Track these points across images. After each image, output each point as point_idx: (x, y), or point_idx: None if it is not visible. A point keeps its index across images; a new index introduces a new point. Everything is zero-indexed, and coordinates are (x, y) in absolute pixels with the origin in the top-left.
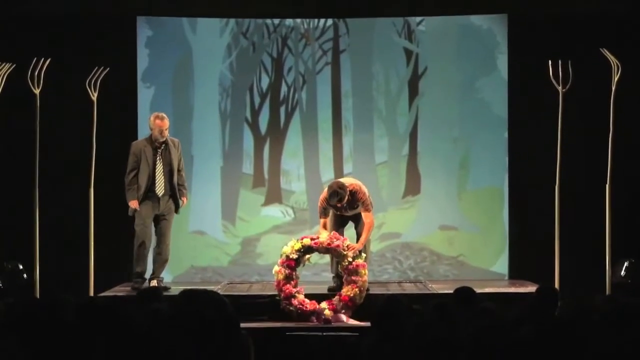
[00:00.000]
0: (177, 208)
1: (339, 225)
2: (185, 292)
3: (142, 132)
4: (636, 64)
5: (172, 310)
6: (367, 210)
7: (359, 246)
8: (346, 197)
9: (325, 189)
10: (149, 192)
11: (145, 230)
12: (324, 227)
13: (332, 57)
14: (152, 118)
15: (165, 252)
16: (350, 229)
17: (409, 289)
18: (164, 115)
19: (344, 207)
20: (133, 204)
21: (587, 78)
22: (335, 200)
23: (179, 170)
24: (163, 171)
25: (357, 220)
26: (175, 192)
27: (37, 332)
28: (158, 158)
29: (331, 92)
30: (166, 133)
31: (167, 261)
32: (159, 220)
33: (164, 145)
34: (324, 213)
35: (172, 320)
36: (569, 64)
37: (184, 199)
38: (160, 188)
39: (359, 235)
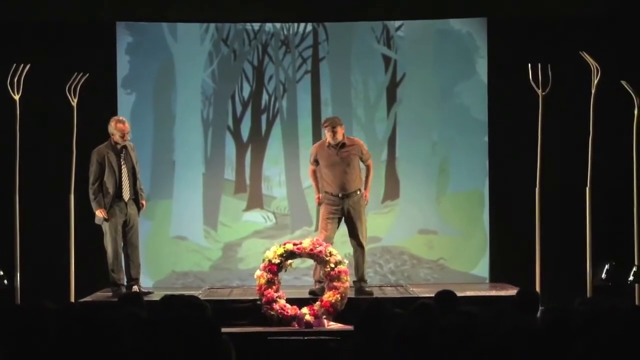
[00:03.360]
0: (138, 212)
1: (332, 223)
2: (165, 298)
3: None
4: (615, 67)
5: (152, 315)
6: (367, 157)
7: (367, 193)
8: (340, 131)
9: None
10: (116, 198)
11: (117, 239)
12: (313, 173)
13: (311, 65)
14: (112, 123)
15: (137, 258)
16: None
17: (390, 292)
18: (124, 119)
19: (337, 146)
20: (101, 213)
21: (566, 81)
22: (327, 123)
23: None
24: (128, 175)
25: (353, 226)
26: (137, 196)
27: (17, 338)
28: (122, 162)
29: (311, 100)
30: (128, 137)
31: (140, 264)
32: (126, 227)
33: (124, 148)
34: (315, 160)
35: (153, 325)
36: (549, 68)
37: (144, 202)
38: (126, 192)
39: (356, 240)
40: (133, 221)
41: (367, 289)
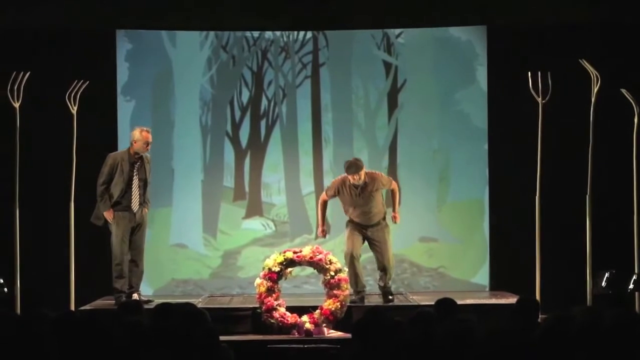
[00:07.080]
0: None
1: (357, 238)
2: (160, 306)
3: (122, 146)
4: (615, 75)
5: (151, 324)
6: (388, 185)
7: (397, 214)
8: (363, 173)
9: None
10: (124, 205)
11: (124, 246)
12: (323, 204)
13: (311, 70)
14: (137, 131)
15: (142, 265)
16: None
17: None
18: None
19: (359, 188)
20: (109, 214)
21: (566, 89)
22: (352, 171)
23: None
24: (138, 185)
25: (378, 251)
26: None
27: (17, 346)
28: (135, 172)
29: (311, 105)
30: (150, 147)
31: (143, 273)
32: (134, 232)
33: (140, 160)
34: (331, 192)
35: (152, 334)
36: (549, 75)
37: (145, 209)
38: (135, 203)
39: (382, 264)
40: (140, 229)
41: (390, 297)
